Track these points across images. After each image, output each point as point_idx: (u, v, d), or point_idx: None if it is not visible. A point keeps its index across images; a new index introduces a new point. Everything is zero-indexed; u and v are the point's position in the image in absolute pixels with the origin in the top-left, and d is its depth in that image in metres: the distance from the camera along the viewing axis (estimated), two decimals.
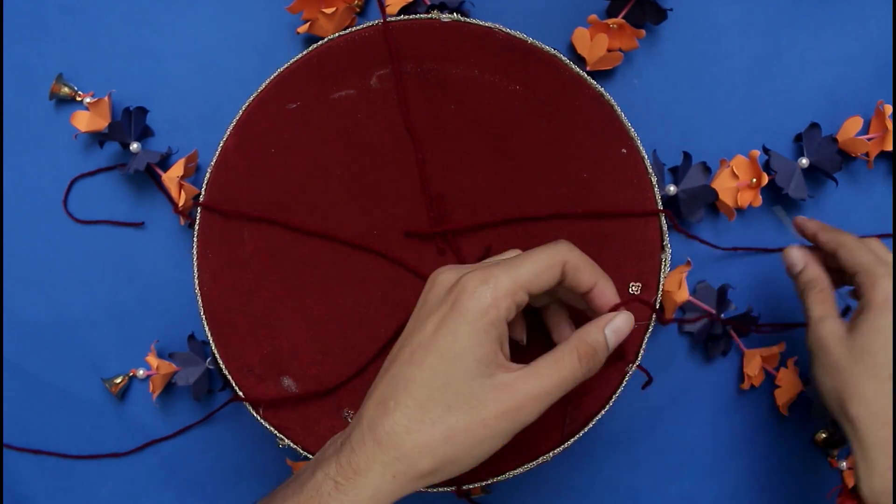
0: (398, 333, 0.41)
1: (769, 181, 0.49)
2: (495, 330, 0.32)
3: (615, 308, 0.36)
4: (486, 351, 0.32)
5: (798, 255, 0.44)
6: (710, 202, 0.49)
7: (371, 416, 0.32)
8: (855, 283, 0.41)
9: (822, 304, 0.42)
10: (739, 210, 0.50)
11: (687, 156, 0.49)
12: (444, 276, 0.34)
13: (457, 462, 0.32)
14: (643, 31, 0.48)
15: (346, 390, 0.42)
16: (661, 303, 0.43)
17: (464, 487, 0.41)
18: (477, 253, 0.42)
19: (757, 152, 0.48)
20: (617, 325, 0.35)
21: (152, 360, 0.50)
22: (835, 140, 0.49)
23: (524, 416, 0.32)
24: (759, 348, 0.49)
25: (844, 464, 0.50)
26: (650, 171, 0.43)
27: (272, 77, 0.44)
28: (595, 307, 0.36)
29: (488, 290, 0.32)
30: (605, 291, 0.35)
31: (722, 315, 0.49)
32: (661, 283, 0.42)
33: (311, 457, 0.42)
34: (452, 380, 0.31)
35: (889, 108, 0.48)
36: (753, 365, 0.49)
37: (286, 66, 0.44)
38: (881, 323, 0.39)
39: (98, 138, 0.50)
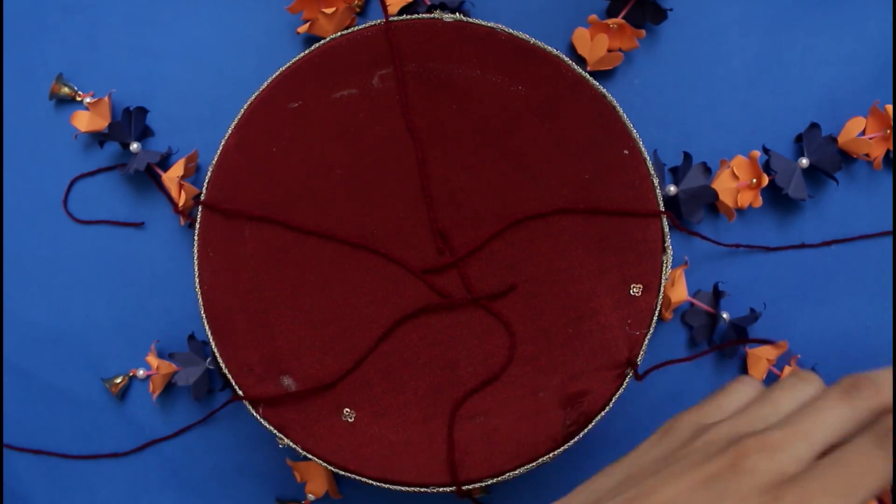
0: (397, 325, 0.42)
1: (769, 181, 0.49)
2: None
3: None
4: None
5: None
6: (710, 202, 0.49)
7: None
8: None
9: None
10: (739, 210, 0.50)
11: (687, 156, 0.49)
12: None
13: None
14: (643, 31, 0.48)
15: (344, 389, 0.42)
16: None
17: (464, 488, 0.41)
18: (476, 253, 0.43)
19: (757, 153, 0.48)
20: None
21: (152, 360, 0.50)
22: (835, 140, 0.49)
23: None
24: (762, 346, 0.49)
25: None
26: (652, 172, 0.43)
27: (274, 76, 0.44)
28: None
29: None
30: None
31: (724, 316, 0.49)
32: (663, 284, 0.42)
33: (310, 457, 0.42)
34: None
35: (889, 109, 0.48)
36: (759, 368, 0.49)
37: (288, 64, 0.44)
38: None
39: (98, 138, 0.50)
